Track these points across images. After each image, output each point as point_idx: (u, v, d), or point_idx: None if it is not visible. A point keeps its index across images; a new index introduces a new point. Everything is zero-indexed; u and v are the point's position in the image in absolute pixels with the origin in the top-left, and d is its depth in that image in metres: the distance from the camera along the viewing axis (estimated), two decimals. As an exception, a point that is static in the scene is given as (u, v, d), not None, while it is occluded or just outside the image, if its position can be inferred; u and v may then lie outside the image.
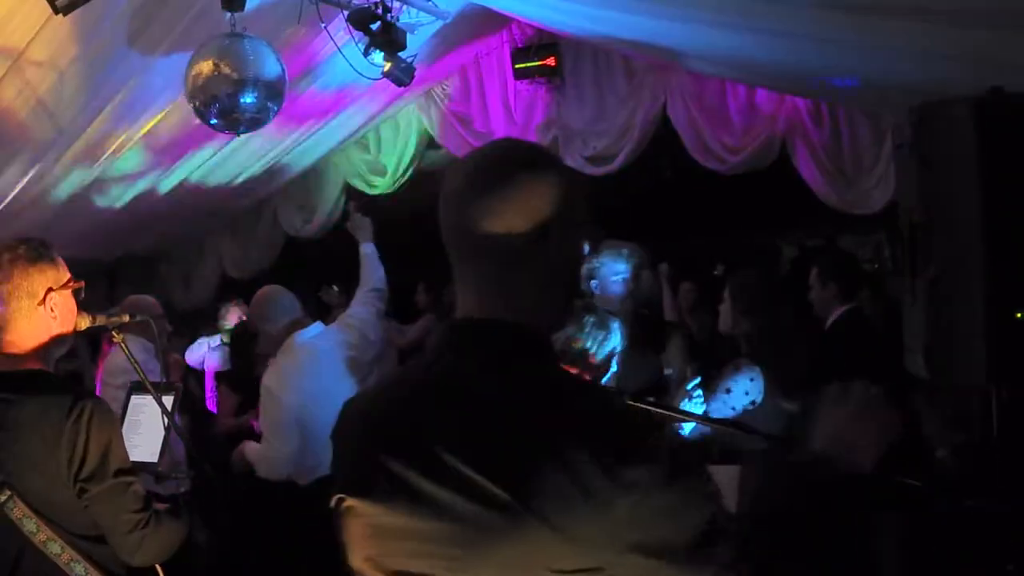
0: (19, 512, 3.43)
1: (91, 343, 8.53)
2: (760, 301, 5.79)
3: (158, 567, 3.79)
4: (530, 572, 1.89)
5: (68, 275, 3.76)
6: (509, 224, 2.02)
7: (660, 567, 1.86)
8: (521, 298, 2.08)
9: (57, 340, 3.73)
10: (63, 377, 3.79)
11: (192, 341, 9.96)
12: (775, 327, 5.69)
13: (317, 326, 6.33)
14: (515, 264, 2.06)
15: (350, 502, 2.10)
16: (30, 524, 3.44)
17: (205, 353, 9.61)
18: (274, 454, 6.13)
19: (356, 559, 2.13)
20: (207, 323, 10.58)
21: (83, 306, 3.85)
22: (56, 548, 3.46)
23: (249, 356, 8.17)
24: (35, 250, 3.67)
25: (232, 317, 9.85)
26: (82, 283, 3.82)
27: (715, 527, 1.90)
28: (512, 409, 1.95)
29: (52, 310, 3.66)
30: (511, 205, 2.03)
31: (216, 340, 9.63)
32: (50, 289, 3.64)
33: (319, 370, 6.14)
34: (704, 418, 4.23)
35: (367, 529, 2.08)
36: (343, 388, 6.05)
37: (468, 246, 2.08)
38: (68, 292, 3.74)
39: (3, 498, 3.43)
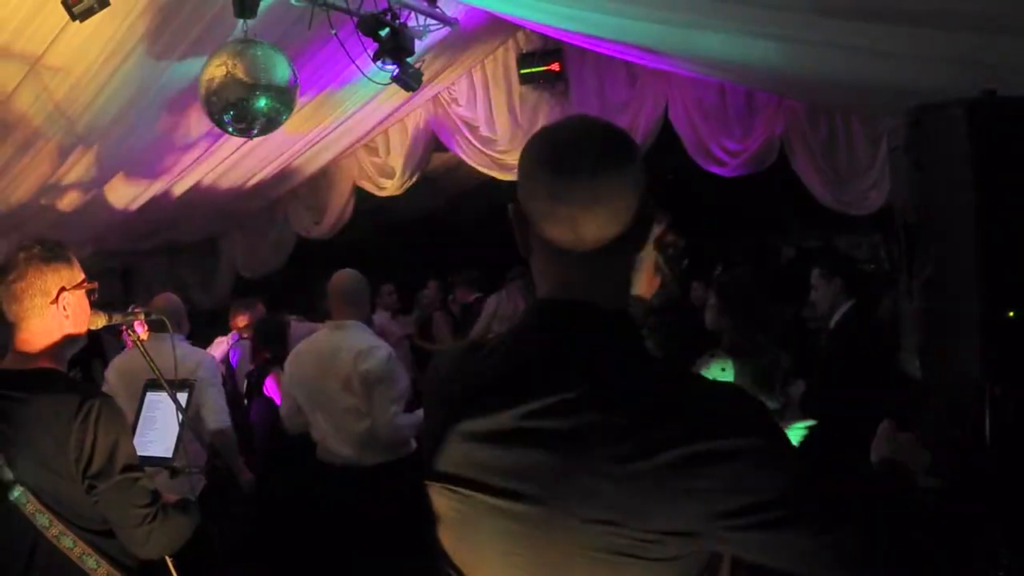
0: (32, 507, 3.45)
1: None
2: (740, 299, 5.82)
3: (168, 559, 3.80)
4: (615, 557, 1.84)
5: (82, 275, 3.76)
6: (611, 217, 1.95)
7: (746, 532, 1.82)
8: (611, 283, 2.02)
9: (69, 339, 3.74)
10: (73, 376, 3.80)
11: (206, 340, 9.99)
12: (753, 325, 5.72)
13: (357, 326, 6.55)
14: (612, 254, 1.98)
15: (438, 481, 2.07)
16: (43, 519, 3.45)
17: (228, 351, 9.61)
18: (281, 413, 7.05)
19: (445, 537, 2.11)
20: (221, 322, 10.60)
21: (98, 306, 3.86)
22: (68, 542, 3.47)
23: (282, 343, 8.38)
24: (50, 250, 3.68)
25: (244, 318, 9.87)
26: (95, 284, 3.83)
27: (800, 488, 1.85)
28: (605, 392, 1.88)
29: (64, 309, 3.66)
30: (615, 201, 1.95)
31: (235, 337, 9.63)
32: (63, 288, 3.65)
33: (311, 369, 6.53)
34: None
35: (454, 509, 2.05)
36: (320, 392, 6.48)
37: (562, 236, 1.96)
38: (82, 292, 3.75)
39: (16, 494, 3.44)
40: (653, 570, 1.85)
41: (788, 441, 1.92)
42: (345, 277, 6.65)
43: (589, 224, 1.94)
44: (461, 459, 2.01)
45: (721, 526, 1.81)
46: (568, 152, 1.96)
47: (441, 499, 2.08)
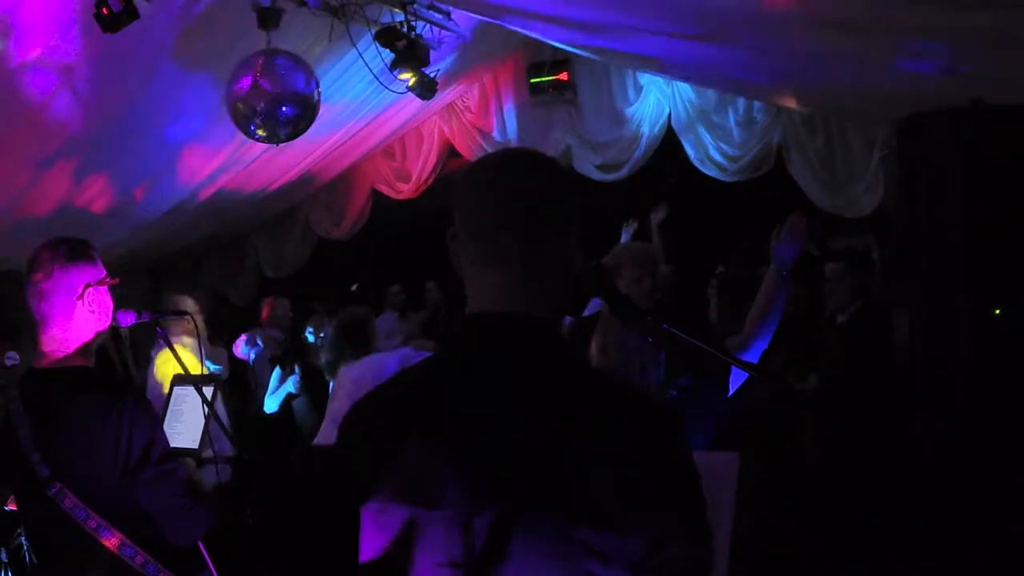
0: (69, 502, 3.45)
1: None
2: (735, 295, 5.83)
3: (201, 546, 3.81)
4: (567, 553, 1.84)
5: (104, 271, 3.77)
6: (524, 214, 2.01)
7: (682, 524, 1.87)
8: (536, 293, 2.03)
9: (96, 335, 3.75)
10: (105, 374, 3.81)
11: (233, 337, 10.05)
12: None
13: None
14: (532, 260, 2.02)
15: (370, 494, 2.03)
16: (80, 512, 3.46)
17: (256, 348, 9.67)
18: None
19: (370, 549, 2.05)
20: (251, 318, 10.66)
21: (127, 304, 3.86)
22: (106, 533, 3.48)
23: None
24: (74, 248, 3.69)
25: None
26: (117, 280, 3.83)
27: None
28: (536, 401, 1.93)
29: (90, 305, 3.67)
30: (529, 198, 2.02)
31: (244, 338, 9.70)
32: (88, 285, 3.65)
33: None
34: (727, 355, 4.20)
35: (384, 518, 2.01)
36: None
37: (488, 242, 2.03)
38: (105, 289, 3.76)
39: (53, 490, 3.45)
40: (608, 559, 1.84)
41: (687, 452, 1.95)
42: None
43: (513, 252, 2.01)
44: (413, 474, 1.99)
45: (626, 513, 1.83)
46: (490, 191, 2.07)
47: (385, 518, 2.03)
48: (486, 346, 2.04)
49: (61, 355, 3.64)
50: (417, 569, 1.98)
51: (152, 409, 3.66)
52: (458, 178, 2.13)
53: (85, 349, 3.69)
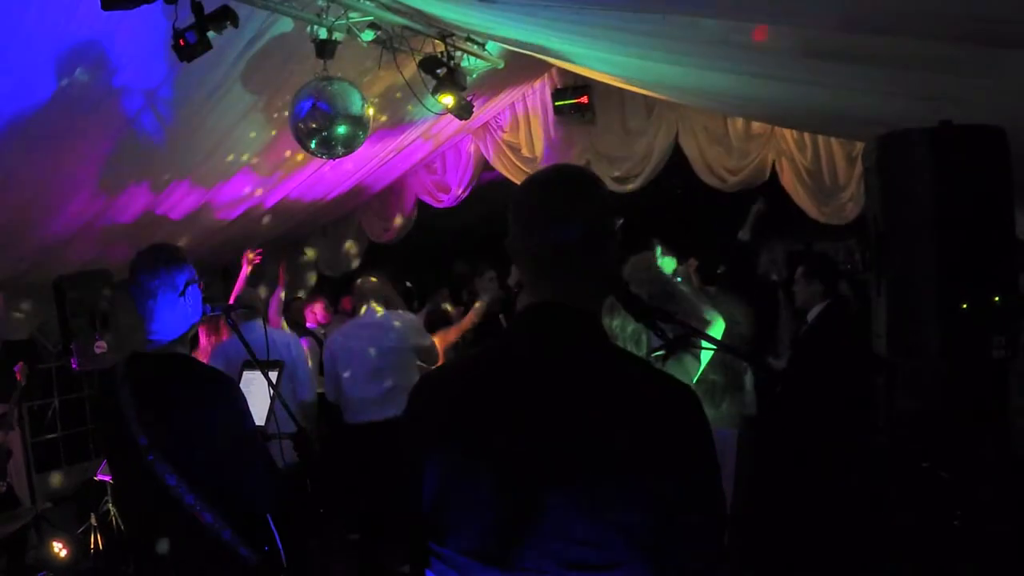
0: (161, 468, 3.51)
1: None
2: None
3: (268, 517, 3.85)
4: (597, 515, 1.90)
5: (195, 272, 3.83)
6: (577, 230, 2.08)
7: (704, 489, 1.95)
8: (582, 288, 2.13)
9: (191, 327, 3.82)
10: (200, 361, 3.88)
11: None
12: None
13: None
14: (580, 260, 2.10)
15: (429, 457, 2.11)
16: (170, 479, 3.51)
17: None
18: None
19: (431, 495, 2.12)
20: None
21: (204, 299, 3.93)
22: (190, 499, 3.53)
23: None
24: (173, 253, 3.78)
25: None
26: (205, 278, 3.90)
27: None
28: (579, 378, 2.00)
29: (189, 301, 3.74)
30: (579, 216, 2.09)
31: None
32: (188, 283, 3.72)
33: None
34: (721, 344, 4.20)
35: (445, 469, 2.09)
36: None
37: (543, 248, 2.12)
38: (197, 286, 3.82)
39: (150, 457, 3.51)
40: (630, 509, 1.90)
41: (709, 430, 2.00)
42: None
43: (568, 258, 2.11)
44: (472, 431, 2.07)
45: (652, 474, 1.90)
46: (538, 207, 2.15)
47: (431, 473, 2.12)
48: (540, 331, 2.12)
49: (164, 343, 3.71)
50: (470, 515, 2.05)
51: (240, 392, 3.73)
52: (514, 190, 2.22)
53: (183, 338, 3.77)
